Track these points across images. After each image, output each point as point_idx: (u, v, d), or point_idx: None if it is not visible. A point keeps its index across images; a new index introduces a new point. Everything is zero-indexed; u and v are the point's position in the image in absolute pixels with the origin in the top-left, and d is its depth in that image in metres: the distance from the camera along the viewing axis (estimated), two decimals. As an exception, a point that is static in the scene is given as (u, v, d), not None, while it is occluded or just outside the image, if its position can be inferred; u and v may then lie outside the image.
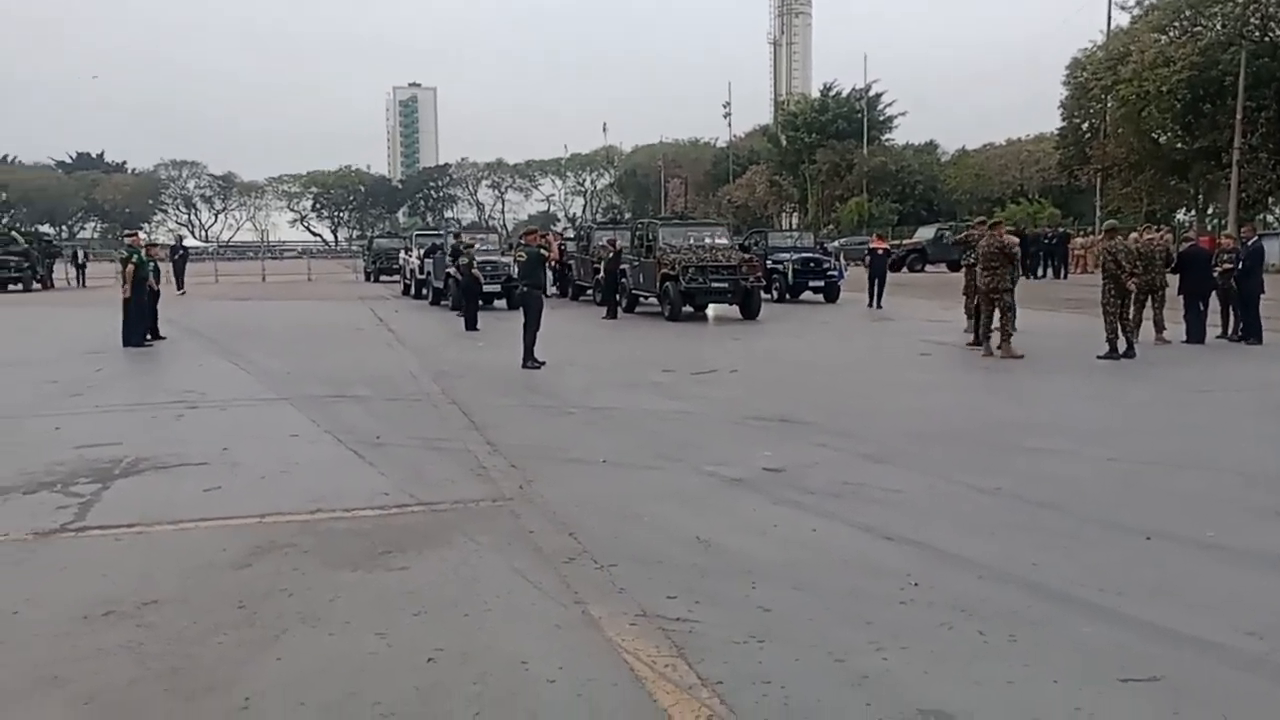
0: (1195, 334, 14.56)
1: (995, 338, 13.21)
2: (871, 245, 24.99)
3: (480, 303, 19.15)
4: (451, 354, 14.27)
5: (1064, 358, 13.10)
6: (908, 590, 4.46)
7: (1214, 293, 15.08)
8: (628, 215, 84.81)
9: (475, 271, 18.81)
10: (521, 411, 9.44)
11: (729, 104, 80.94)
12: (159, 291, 16.82)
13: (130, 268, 15.29)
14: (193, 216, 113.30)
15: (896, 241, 47.09)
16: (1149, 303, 14.30)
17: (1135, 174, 43.56)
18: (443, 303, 23.00)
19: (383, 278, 37.31)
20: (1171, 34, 41.05)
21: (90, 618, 4.23)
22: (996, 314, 13.15)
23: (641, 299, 21.59)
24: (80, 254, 38.44)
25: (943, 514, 5.72)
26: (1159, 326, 14.37)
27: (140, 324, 15.41)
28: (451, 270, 21.51)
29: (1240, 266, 14.74)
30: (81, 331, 17.87)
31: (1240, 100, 36.51)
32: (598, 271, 22.86)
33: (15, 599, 4.46)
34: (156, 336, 16.14)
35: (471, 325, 17.76)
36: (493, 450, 7.54)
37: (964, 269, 16.98)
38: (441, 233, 30.58)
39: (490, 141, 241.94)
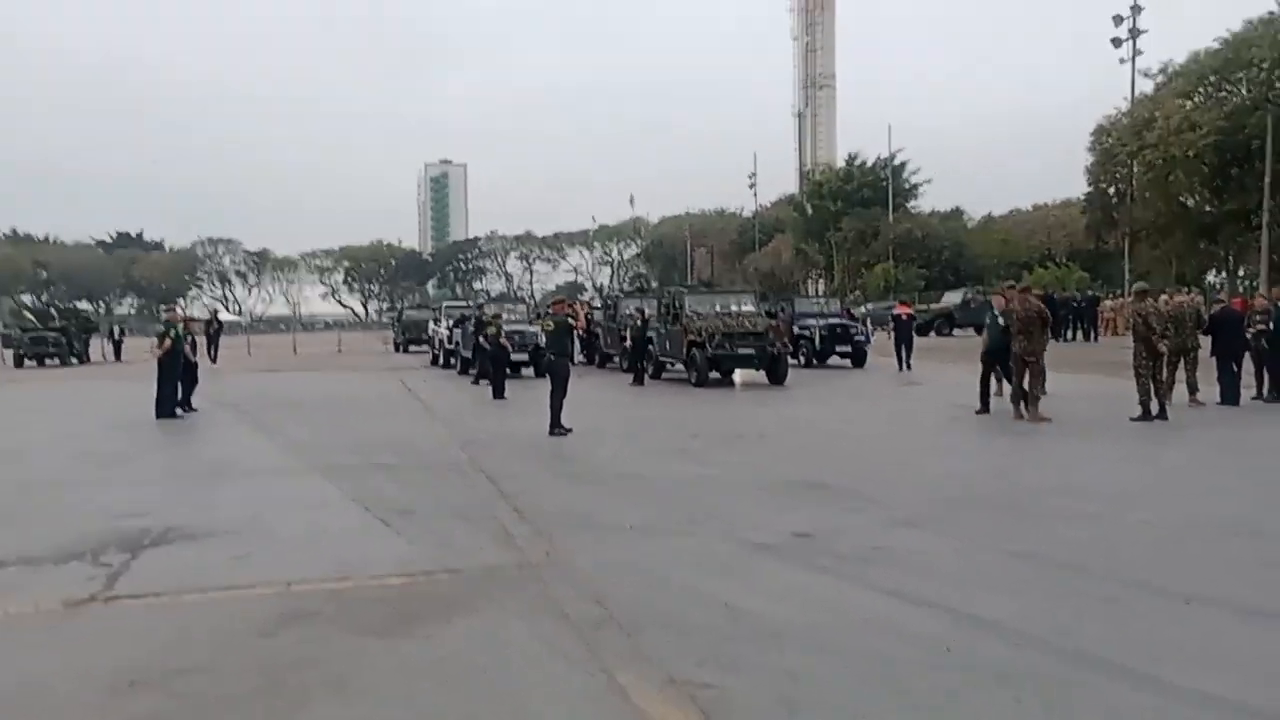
0: (1230, 396, 14.38)
1: (1021, 402, 13.11)
2: (896, 311, 25.07)
3: (508, 371, 19.26)
4: (479, 422, 14.34)
5: (1096, 421, 12.96)
6: (940, 656, 4.38)
7: (1247, 354, 14.93)
8: (654, 284, 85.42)
9: (504, 341, 19.01)
10: (549, 479, 9.43)
11: (754, 174, 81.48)
12: (196, 363, 17.08)
13: (168, 342, 15.56)
14: (227, 291, 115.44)
15: (924, 306, 47.14)
16: (1181, 364, 14.16)
17: (1164, 237, 43.45)
18: (470, 371, 23.15)
19: (412, 348, 37.70)
20: (1196, 99, 41.24)
21: (117, 687, 4.24)
22: (1027, 377, 13.06)
23: (668, 365, 21.66)
24: (116, 330, 39.22)
25: (974, 579, 5.64)
26: (1192, 389, 14.21)
27: (173, 396, 15.63)
28: (481, 340, 21.71)
29: (1272, 327, 14.60)
30: (116, 405, 18.13)
31: (1269, 163, 36.47)
32: (624, 339, 22.99)
33: (45, 670, 4.49)
34: (189, 408, 16.34)
35: (499, 394, 17.86)
36: (520, 517, 7.53)
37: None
38: (469, 304, 30.93)
39: (519, 214, 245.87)
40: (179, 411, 15.69)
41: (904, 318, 24.30)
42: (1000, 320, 13.82)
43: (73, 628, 5.11)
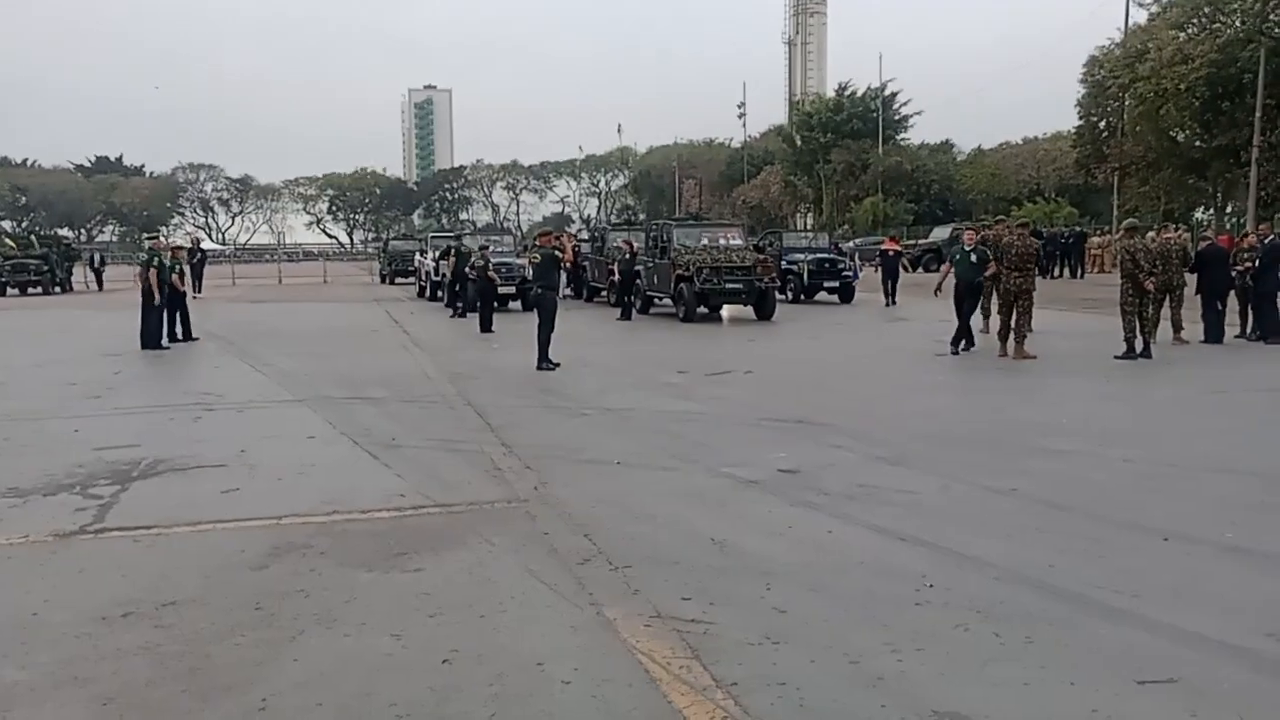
0: (1214, 334, 14.46)
1: (1007, 339, 13.17)
2: (883, 247, 25.03)
3: (495, 305, 19.18)
4: (467, 355, 14.32)
5: (1081, 358, 13.03)
6: (923, 592, 4.45)
7: (1232, 292, 14.97)
8: (642, 216, 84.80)
9: (491, 274, 18.87)
10: (536, 413, 9.46)
11: (744, 104, 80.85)
12: (184, 292, 16.94)
13: (153, 271, 15.39)
14: (210, 220, 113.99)
15: (911, 241, 47.03)
16: (1166, 302, 14.20)
17: (1153, 172, 43.26)
18: (457, 305, 23.09)
19: (398, 280, 37.47)
20: (1190, 31, 40.73)
21: (109, 619, 4.27)
22: (1014, 314, 13.08)
23: (656, 300, 21.60)
24: (97, 258, 38.71)
25: (958, 516, 5.71)
26: (1177, 326, 14.27)
27: (158, 327, 15.52)
28: (468, 273, 21.63)
29: (1258, 265, 14.63)
30: (100, 334, 18.01)
31: (1260, 98, 36.17)
32: (612, 273, 22.88)
33: (36, 600, 4.51)
34: (190, 338, 16.34)
35: (486, 327, 17.81)
36: (508, 451, 7.56)
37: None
38: (455, 235, 30.69)
39: (505, 143, 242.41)
40: (165, 343, 15.60)
41: (891, 253, 24.24)
42: (972, 256, 13.75)
43: (63, 559, 5.13)
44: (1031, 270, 13.20)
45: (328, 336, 17.55)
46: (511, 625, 4.15)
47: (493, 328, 17.79)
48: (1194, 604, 4.31)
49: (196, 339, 16.40)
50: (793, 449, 7.50)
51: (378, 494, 6.31)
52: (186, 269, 19.99)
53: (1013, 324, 13.13)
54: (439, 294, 26.35)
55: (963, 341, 13.74)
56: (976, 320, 16.41)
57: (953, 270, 14.21)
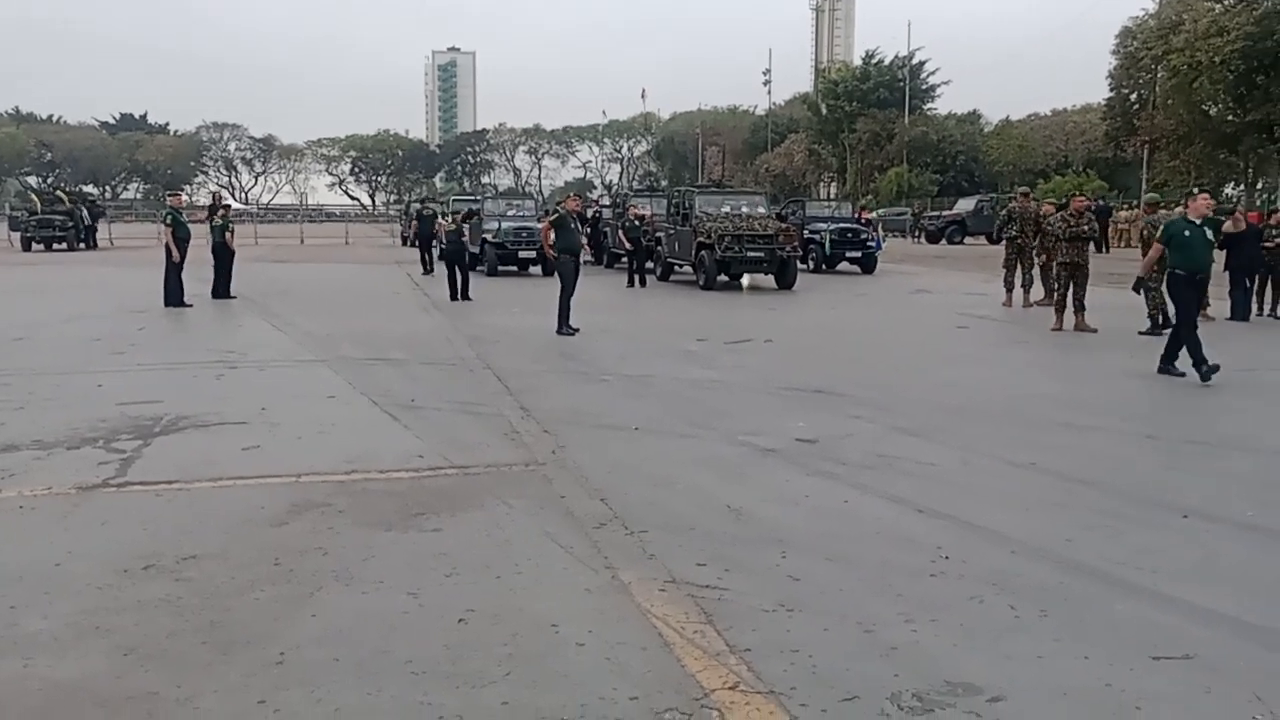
0: (1240, 311, 14.29)
1: (1062, 311, 13.16)
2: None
3: (516, 268, 19.10)
4: (487, 319, 14.33)
5: (1104, 333, 12.91)
6: (939, 564, 4.44)
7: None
8: (664, 183, 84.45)
9: (463, 238, 18.41)
10: (555, 377, 9.47)
11: (769, 71, 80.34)
12: (234, 250, 17.21)
13: (167, 230, 15.57)
14: (233, 179, 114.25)
15: (936, 213, 46.63)
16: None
17: (1184, 146, 42.59)
18: (479, 268, 23.18)
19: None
20: (1226, 2, 39.93)
21: (131, 571, 4.32)
22: (1071, 287, 13.06)
23: (677, 267, 21.51)
24: (85, 214, 34.96)
25: (976, 488, 5.69)
26: (1203, 304, 14.08)
27: (179, 285, 15.60)
28: (488, 236, 21.66)
29: (1288, 242, 14.40)
30: (125, 291, 18.12)
31: (1295, 72, 35.52)
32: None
33: (59, 551, 4.57)
34: (227, 295, 16.50)
35: (456, 294, 16.93)
36: (526, 415, 7.58)
37: (1004, 242, 16.83)
38: (478, 198, 30.76)
39: (528, 107, 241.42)
40: (188, 300, 15.69)
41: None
42: (1207, 232, 10.01)
43: (86, 512, 5.18)
44: (1084, 246, 13.20)
45: (349, 297, 17.61)
46: (527, 586, 4.17)
47: (471, 295, 16.97)
48: (1212, 581, 4.28)
49: (234, 298, 16.55)
50: (812, 418, 7.48)
51: (397, 454, 6.34)
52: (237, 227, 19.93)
53: (1070, 296, 13.07)
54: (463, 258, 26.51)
55: (1202, 364, 9.18)
56: (999, 291, 16.31)
57: (1166, 252, 10.07)
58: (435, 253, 21.64)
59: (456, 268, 17.14)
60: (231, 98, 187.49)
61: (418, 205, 26.76)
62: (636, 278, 20.28)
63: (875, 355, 11.32)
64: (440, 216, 23.71)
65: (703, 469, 6.06)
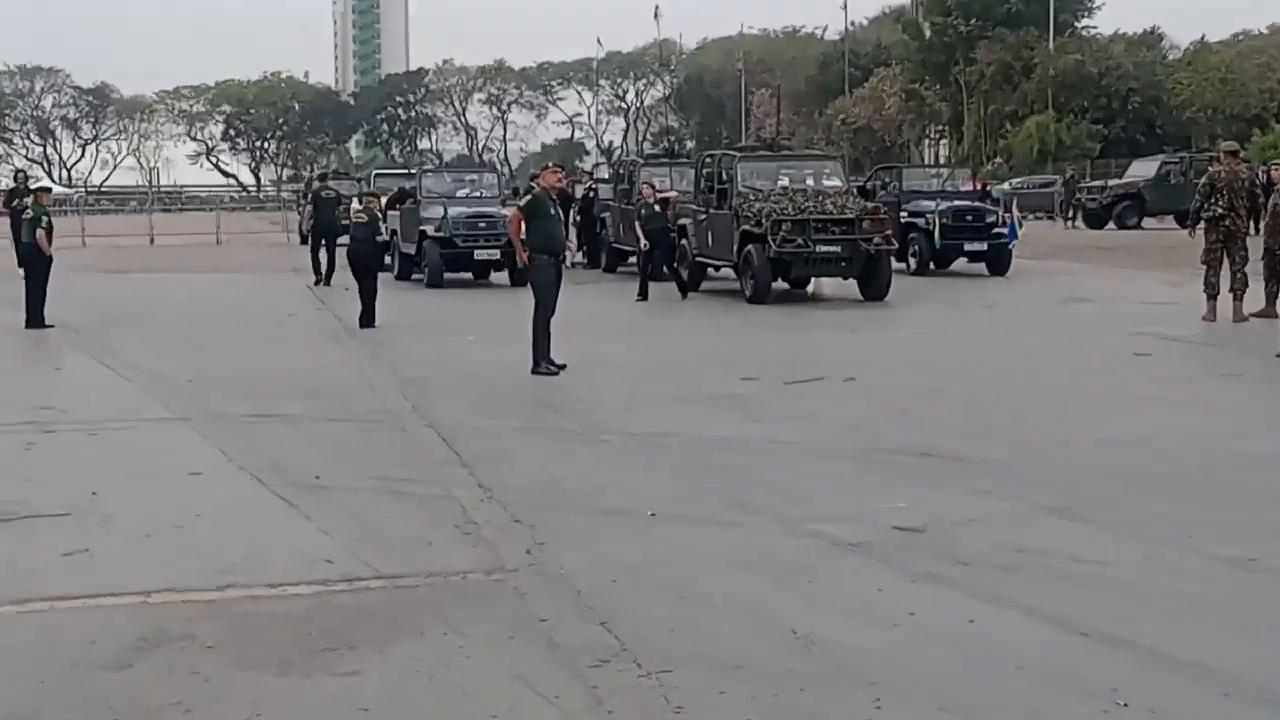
0: None
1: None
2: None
3: (471, 274, 19.03)
4: (428, 352, 14.36)
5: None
6: (1113, 714, 4.41)
7: None
8: (689, 144, 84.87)
9: (379, 233, 18.30)
10: (529, 437, 9.48)
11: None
12: (51, 255, 17.20)
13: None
14: (49, 148, 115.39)
15: (1098, 182, 46.70)
16: None
17: None
18: (414, 277, 23.28)
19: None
20: None
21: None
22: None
23: (711, 270, 21.56)
24: None
25: (1168, 599, 5.65)
26: None
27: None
28: (427, 229, 21.77)
29: None
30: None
31: None
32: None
33: None
34: (41, 323, 16.62)
35: (365, 319, 16.78)
36: (487, 496, 7.57)
37: (1204, 224, 16.76)
38: (412, 171, 30.99)
39: (488, 36, 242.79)
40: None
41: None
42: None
43: None
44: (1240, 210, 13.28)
45: (223, 323, 17.68)
46: (491, 758, 4.16)
47: (375, 322, 16.76)
48: None
49: (50, 326, 16.57)
50: (916, 495, 7.46)
51: (294, 559, 6.34)
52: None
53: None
54: (387, 260, 26.57)
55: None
56: (1196, 298, 16.30)
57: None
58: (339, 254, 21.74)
59: (363, 279, 17.03)
60: (48, 34, 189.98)
61: (317, 183, 27.12)
62: (649, 286, 20.36)
63: (1010, 398, 11.28)
64: (356, 200, 23.88)
65: (752, 574, 6.04)
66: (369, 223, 17.78)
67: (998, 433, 9.44)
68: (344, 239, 19.45)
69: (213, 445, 9.17)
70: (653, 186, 21.96)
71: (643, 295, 20.16)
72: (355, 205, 21.03)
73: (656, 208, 20.90)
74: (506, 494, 7.60)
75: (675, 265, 21.07)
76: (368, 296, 16.83)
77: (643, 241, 20.51)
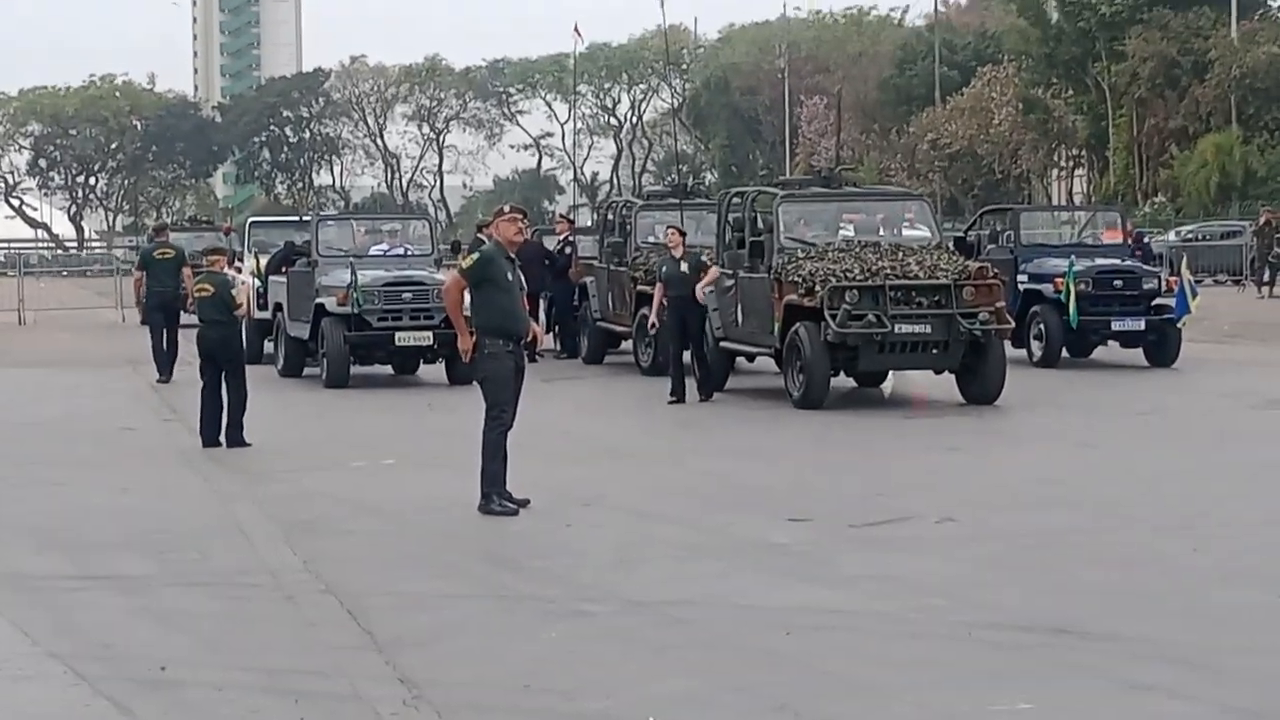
0: None
1: None
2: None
3: (390, 366, 19.10)
4: (325, 481, 14.36)
5: None
6: None
7: None
8: (709, 178, 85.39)
9: (239, 310, 18.18)
10: (476, 609, 9.50)
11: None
12: None
13: None
14: None
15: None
16: None
17: None
18: (308, 372, 23.34)
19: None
20: None
21: None
22: None
23: (745, 358, 21.62)
24: None
25: None
26: None
27: None
28: (327, 303, 21.86)
29: None
30: None
31: None
32: (648, 306, 22.83)
33: None
34: None
35: (208, 438, 16.99)
36: (413, 697, 7.53)
37: None
38: (304, 219, 31.19)
39: (414, 27, 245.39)
40: None
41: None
42: None
43: None
44: None
45: (27, 443, 17.75)
46: None
47: (221, 439, 16.80)
48: None
49: None
50: (1047, 694, 7.44)
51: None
52: None
53: None
54: (266, 345, 26.64)
55: None
56: None
57: None
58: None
59: (224, 374, 17.07)
60: None
61: (151, 238, 27.55)
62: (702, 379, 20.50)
63: (1183, 552, 11.26)
64: (204, 260, 23.95)
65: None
66: (214, 296, 17.42)
67: (1168, 601, 9.43)
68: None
69: (10, 624, 9.14)
70: (681, 232, 21.92)
71: (678, 396, 20.17)
72: (191, 271, 21.04)
73: (684, 266, 20.92)
74: (441, 694, 7.56)
75: (704, 351, 20.94)
76: (234, 402, 16.89)
77: (653, 317, 20.64)
